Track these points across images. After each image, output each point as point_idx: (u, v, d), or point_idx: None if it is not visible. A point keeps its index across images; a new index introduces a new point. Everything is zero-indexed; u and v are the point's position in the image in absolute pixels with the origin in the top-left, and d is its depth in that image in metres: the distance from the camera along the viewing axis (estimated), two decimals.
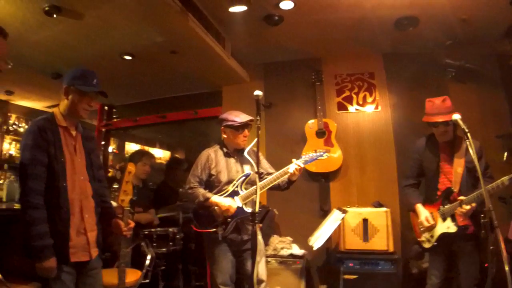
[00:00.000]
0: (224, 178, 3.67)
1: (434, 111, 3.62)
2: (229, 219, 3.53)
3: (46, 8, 3.98)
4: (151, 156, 5.37)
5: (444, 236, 3.49)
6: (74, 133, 2.76)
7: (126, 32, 4.55)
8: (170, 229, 4.68)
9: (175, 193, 5.37)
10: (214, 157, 3.75)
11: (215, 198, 3.56)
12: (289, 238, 5.07)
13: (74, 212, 2.57)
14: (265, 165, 3.88)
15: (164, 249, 4.56)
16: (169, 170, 5.96)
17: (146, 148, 9.53)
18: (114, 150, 9.02)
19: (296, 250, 4.87)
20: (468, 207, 3.28)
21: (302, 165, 3.52)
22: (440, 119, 3.50)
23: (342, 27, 4.84)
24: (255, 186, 3.30)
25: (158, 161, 8.72)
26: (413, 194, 3.82)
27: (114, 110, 7.88)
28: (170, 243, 4.64)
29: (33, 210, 2.40)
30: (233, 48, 5.43)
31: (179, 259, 4.89)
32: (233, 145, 3.77)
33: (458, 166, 3.50)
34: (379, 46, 5.41)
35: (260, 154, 3.57)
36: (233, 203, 3.52)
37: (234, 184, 3.62)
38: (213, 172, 3.70)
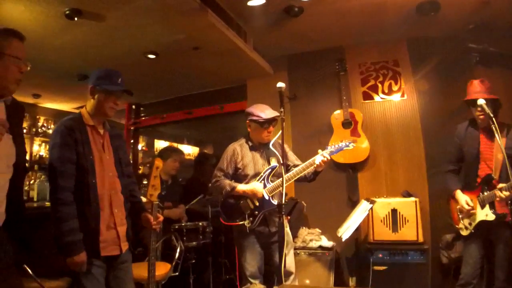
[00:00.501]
0: (250, 171, 3.70)
1: (473, 91, 3.61)
2: (256, 212, 3.56)
3: (67, 12, 4.04)
4: (180, 152, 5.44)
5: (482, 223, 3.43)
6: (101, 131, 2.83)
7: (148, 31, 4.60)
8: (200, 223, 4.75)
9: (204, 187, 5.43)
10: (240, 151, 3.77)
11: (241, 186, 3.60)
12: (318, 230, 5.07)
13: (103, 207, 2.63)
14: (292, 157, 3.89)
15: (194, 242, 4.63)
16: (198, 165, 6.03)
17: (175, 144, 9.66)
18: (144, 148, 9.17)
19: (325, 242, 4.86)
20: (507, 193, 3.20)
21: (328, 156, 3.51)
22: (478, 97, 3.45)
23: (363, 14, 4.77)
24: (281, 178, 3.30)
25: (187, 157, 8.82)
26: (453, 180, 3.77)
27: (142, 108, 8.02)
28: (200, 237, 4.71)
29: (63, 206, 2.47)
30: (255, 41, 5.43)
31: (209, 252, 4.96)
32: (257, 139, 3.79)
33: (499, 152, 3.41)
34: (402, 32, 5.29)
35: (286, 146, 3.62)
36: (258, 185, 3.55)
37: (261, 177, 3.64)
38: (239, 165, 3.73)
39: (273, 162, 3.71)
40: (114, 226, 2.67)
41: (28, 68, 2.18)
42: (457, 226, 3.67)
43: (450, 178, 3.79)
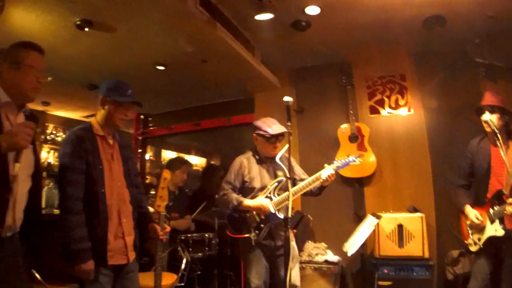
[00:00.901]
0: (257, 184, 3.71)
1: (483, 103, 3.64)
2: (262, 225, 3.57)
3: (78, 22, 4.10)
4: (189, 164, 5.48)
5: (491, 239, 3.40)
6: (111, 141, 2.86)
7: (158, 43, 4.66)
8: (206, 234, 4.77)
9: (211, 199, 5.44)
10: (247, 164, 3.79)
11: (247, 201, 3.61)
12: (323, 244, 5.06)
13: (112, 216, 2.66)
14: (298, 171, 3.90)
15: (200, 254, 4.65)
16: (205, 177, 6.06)
17: (182, 155, 9.70)
18: (151, 158, 9.22)
19: (331, 256, 4.86)
20: None
21: (334, 171, 3.51)
22: (484, 103, 3.51)
23: (370, 29, 4.81)
24: (287, 192, 3.32)
25: (194, 167, 8.85)
26: (463, 195, 3.74)
27: (150, 118, 8.09)
28: (206, 248, 4.73)
29: (72, 215, 2.50)
30: (263, 55, 5.48)
31: (214, 264, 4.96)
32: (264, 153, 3.81)
33: (510, 168, 3.39)
34: (408, 47, 5.34)
35: (292, 159, 3.62)
36: (265, 201, 3.55)
37: (267, 190, 3.65)
38: (246, 179, 3.74)
39: (280, 176, 3.71)
40: (122, 236, 2.69)
41: (49, 79, 2.25)
42: (466, 241, 3.63)
43: (460, 193, 3.76)
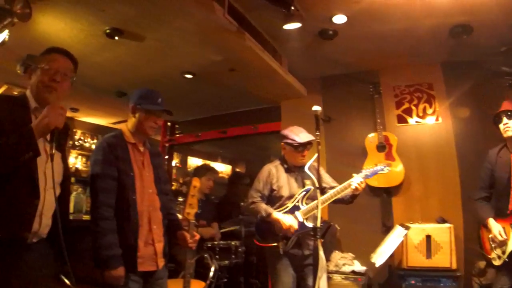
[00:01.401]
0: (285, 193, 3.70)
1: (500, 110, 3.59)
2: (290, 234, 3.55)
3: (108, 31, 4.18)
4: (215, 171, 5.50)
5: None
6: (142, 149, 2.89)
7: (186, 52, 4.72)
8: (233, 242, 4.79)
9: (237, 207, 5.46)
10: (275, 172, 3.79)
11: (277, 215, 3.57)
12: (351, 254, 5.02)
13: (142, 223, 2.68)
14: (327, 179, 3.87)
15: (226, 261, 4.67)
16: (231, 185, 6.09)
17: (208, 162, 9.76)
18: (177, 164, 9.30)
19: (358, 266, 4.82)
20: None
21: (363, 180, 3.49)
22: (502, 108, 3.45)
23: (397, 38, 4.78)
24: (316, 201, 3.30)
25: (220, 175, 8.89)
26: (485, 208, 3.65)
27: (177, 126, 8.16)
28: (233, 256, 4.75)
29: (104, 221, 2.53)
30: (289, 63, 5.49)
31: (241, 272, 4.97)
32: (292, 161, 3.80)
33: None
34: (435, 55, 5.29)
35: (321, 168, 3.59)
36: (295, 222, 3.52)
37: (295, 199, 3.64)
38: (274, 187, 3.74)
39: (308, 185, 3.69)
40: (152, 243, 2.71)
41: (74, 79, 2.27)
42: (489, 256, 3.53)
43: (482, 206, 3.68)
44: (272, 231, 3.62)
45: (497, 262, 3.45)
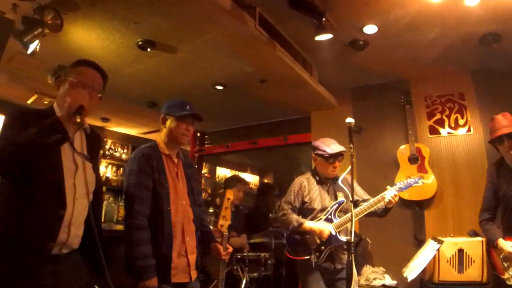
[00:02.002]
0: (317, 205, 3.67)
1: (496, 127, 3.50)
2: (322, 247, 3.51)
3: (140, 43, 4.23)
4: (245, 182, 5.50)
5: None
6: (176, 160, 2.92)
7: (217, 64, 4.76)
8: (262, 254, 4.76)
9: (266, 218, 5.44)
10: (307, 184, 3.76)
11: (308, 224, 3.56)
12: (382, 269, 4.93)
13: (176, 235, 2.69)
14: (360, 192, 3.83)
15: (255, 273, 4.64)
16: (261, 196, 6.07)
17: (236, 172, 9.78)
18: (206, 174, 9.33)
19: (389, 280, 4.73)
20: None
21: (397, 192, 3.44)
22: (504, 131, 3.37)
23: (428, 47, 4.72)
24: (349, 214, 3.28)
25: (249, 186, 8.91)
26: (492, 230, 3.58)
27: (206, 136, 8.21)
28: (262, 268, 4.71)
29: (138, 231, 2.54)
30: (320, 74, 5.48)
31: (270, 285, 4.92)
32: (324, 173, 3.77)
33: None
34: (466, 64, 5.20)
35: (354, 181, 3.56)
36: (327, 226, 3.49)
37: (328, 211, 3.60)
38: (306, 199, 3.71)
39: (340, 197, 3.66)
40: (185, 254, 2.71)
41: (100, 96, 2.26)
42: (502, 276, 3.41)
43: (488, 229, 3.61)
44: (304, 244, 3.60)
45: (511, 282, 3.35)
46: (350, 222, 3.12)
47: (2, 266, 1.81)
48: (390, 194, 3.41)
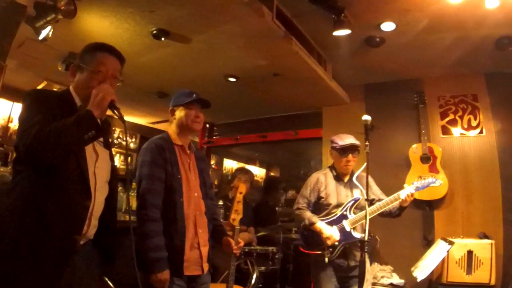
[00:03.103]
0: (333, 201, 3.66)
1: None
2: (336, 243, 3.49)
3: (154, 32, 4.19)
4: (251, 174, 5.47)
5: None
6: (188, 151, 2.88)
7: (231, 56, 4.71)
8: (270, 248, 4.74)
9: (274, 212, 5.42)
10: (323, 180, 3.76)
11: (319, 225, 3.55)
12: (390, 267, 4.92)
13: (189, 227, 2.64)
14: (377, 191, 3.81)
15: (263, 267, 4.62)
16: (268, 190, 6.04)
17: (243, 165, 9.78)
18: (213, 166, 9.34)
19: (396, 279, 4.72)
20: None
21: (414, 191, 3.41)
22: None
23: (444, 47, 4.68)
24: (364, 211, 3.25)
25: (255, 178, 8.91)
26: None
27: (215, 128, 8.19)
28: (270, 262, 4.70)
29: (151, 223, 2.51)
30: (333, 69, 5.45)
31: (277, 279, 4.91)
32: (339, 168, 3.76)
33: None
34: (480, 66, 5.18)
35: (371, 179, 3.61)
36: (336, 234, 3.48)
37: (343, 207, 3.59)
38: (322, 194, 3.70)
39: (357, 194, 3.64)
40: (198, 247, 2.68)
41: (118, 84, 2.21)
42: None
43: None
44: (317, 238, 3.58)
45: None
46: (365, 219, 3.13)
47: (27, 260, 1.75)
48: (405, 192, 3.39)
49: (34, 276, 1.75)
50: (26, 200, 1.81)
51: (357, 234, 3.47)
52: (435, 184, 3.53)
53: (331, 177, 3.77)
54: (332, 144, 3.76)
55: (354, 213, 3.56)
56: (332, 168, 3.85)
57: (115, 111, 2.02)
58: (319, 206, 3.72)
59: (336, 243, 3.48)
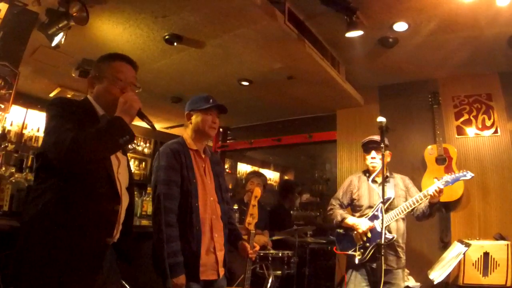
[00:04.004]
0: (365, 202, 3.71)
1: None
2: (367, 244, 3.49)
3: (167, 37, 4.21)
4: (264, 177, 5.47)
5: None
6: (203, 156, 2.89)
7: (245, 60, 4.72)
8: (286, 252, 4.73)
9: (289, 215, 5.41)
10: (356, 182, 3.85)
11: (350, 219, 3.62)
12: (406, 270, 4.85)
13: (205, 231, 2.65)
14: (414, 193, 3.72)
15: (278, 271, 4.61)
16: (284, 193, 6.04)
17: (257, 168, 9.78)
18: (227, 170, 9.35)
19: (412, 282, 4.66)
20: None
21: (442, 187, 3.37)
22: None
23: (457, 46, 4.65)
24: (394, 210, 3.35)
25: (269, 182, 8.91)
26: None
27: (229, 132, 8.20)
28: (285, 266, 4.68)
29: (168, 228, 2.50)
30: (347, 71, 5.42)
31: (293, 283, 4.89)
32: (368, 168, 3.83)
33: None
34: (494, 65, 5.13)
35: (409, 181, 3.73)
36: (364, 222, 3.51)
37: (375, 208, 3.60)
38: (354, 196, 3.79)
39: (390, 194, 3.60)
40: (214, 251, 2.68)
41: (136, 91, 2.22)
42: None
43: None
44: (350, 239, 3.64)
45: None
46: (397, 218, 3.31)
47: (62, 266, 1.78)
48: (434, 188, 3.36)
49: (70, 281, 1.79)
50: (56, 206, 1.83)
51: (389, 235, 3.44)
52: (466, 177, 3.48)
53: (365, 180, 3.83)
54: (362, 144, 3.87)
55: (386, 213, 3.51)
56: (366, 170, 3.91)
57: (144, 119, 2.09)
58: (353, 208, 3.82)
59: (368, 244, 3.49)
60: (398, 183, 3.66)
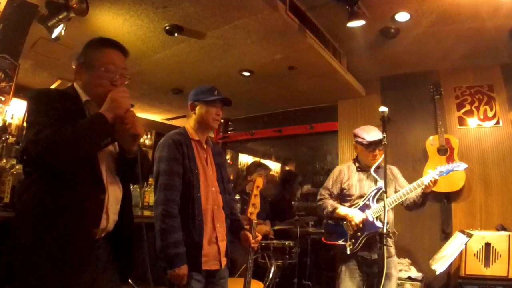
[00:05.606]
0: (355, 191, 3.64)
1: None
2: (358, 233, 3.46)
3: (167, 28, 4.17)
4: (267, 168, 5.47)
5: None
6: (205, 146, 2.89)
7: (246, 50, 4.68)
8: (287, 242, 4.74)
9: (291, 206, 5.42)
10: (346, 171, 3.76)
11: (342, 209, 3.56)
12: (407, 261, 4.89)
13: (207, 222, 2.65)
14: (403, 183, 3.72)
15: (280, 261, 4.63)
16: (285, 184, 6.04)
17: (258, 159, 9.78)
18: (229, 161, 9.35)
19: (414, 273, 4.69)
20: None
21: (437, 177, 3.34)
22: None
23: (459, 38, 4.64)
24: (389, 198, 3.29)
25: (270, 173, 8.92)
26: None
27: (230, 123, 8.18)
28: (287, 256, 4.70)
29: (169, 218, 2.51)
30: (349, 62, 5.41)
31: (294, 273, 4.91)
32: (364, 161, 3.73)
33: None
34: (496, 57, 5.11)
35: (398, 171, 3.69)
36: (359, 213, 3.46)
37: (366, 197, 3.56)
38: (344, 186, 3.70)
39: (380, 184, 3.56)
40: (216, 241, 2.68)
41: (126, 83, 2.15)
42: None
43: None
44: (340, 229, 3.58)
45: None
46: (391, 206, 3.26)
47: (50, 254, 1.77)
48: (429, 178, 3.33)
49: (57, 270, 1.77)
50: (40, 199, 1.82)
51: (380, 224, 3.39)
52: (459, 168, 3.43)
53: (354, 169, 3.76)
54: (357, 139, 3.70)
55: (377, 202, 3.50)
56: (356, 160, 3.82)
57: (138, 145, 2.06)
58: (342, 198, 3.73)
59: (359, 233, 3.46)
60: (387, 173, 3.63)
